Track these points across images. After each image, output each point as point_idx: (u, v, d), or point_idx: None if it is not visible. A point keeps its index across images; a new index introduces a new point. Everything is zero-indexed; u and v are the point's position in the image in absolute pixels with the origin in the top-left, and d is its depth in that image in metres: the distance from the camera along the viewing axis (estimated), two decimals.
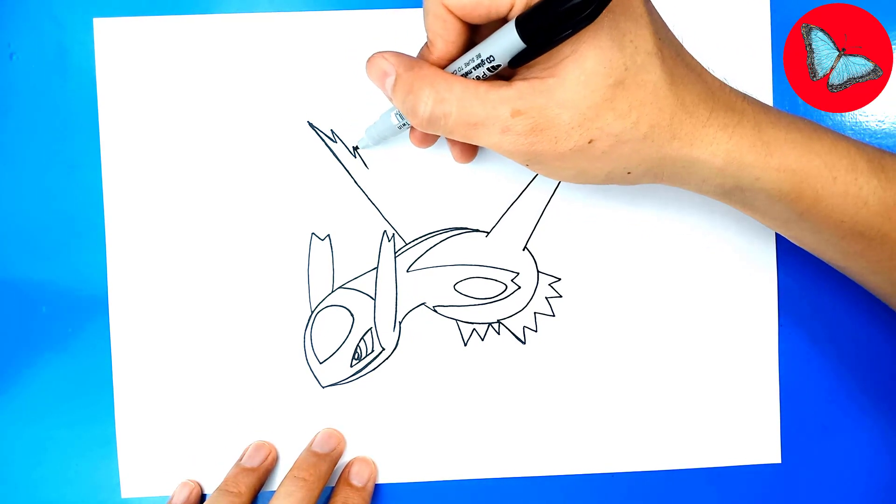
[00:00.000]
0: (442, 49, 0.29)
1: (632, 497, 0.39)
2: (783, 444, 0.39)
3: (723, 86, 0.30)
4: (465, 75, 0.29)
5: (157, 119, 0.38)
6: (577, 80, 0.27)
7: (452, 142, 0.36)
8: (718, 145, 0.29)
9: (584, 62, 0.27)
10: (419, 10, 0.38)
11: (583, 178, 0.30)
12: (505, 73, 0.29)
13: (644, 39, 0.27)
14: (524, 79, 0.28)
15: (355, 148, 0.38)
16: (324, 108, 0.38)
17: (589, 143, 0.28)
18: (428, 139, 0.35)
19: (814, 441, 0.39)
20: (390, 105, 0.35)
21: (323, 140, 0.38)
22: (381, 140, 0.37)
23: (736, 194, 0.31)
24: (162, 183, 0.38)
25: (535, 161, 0.29)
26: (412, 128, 0.34)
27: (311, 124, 0.38)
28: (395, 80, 0.30)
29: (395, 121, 0.34)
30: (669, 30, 0.29)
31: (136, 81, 0.38)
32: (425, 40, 0.30)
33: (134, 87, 0.38)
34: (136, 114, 0.38)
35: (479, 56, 0.28)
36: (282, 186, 0.38)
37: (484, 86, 0.28)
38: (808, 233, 0.32)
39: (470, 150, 0.36)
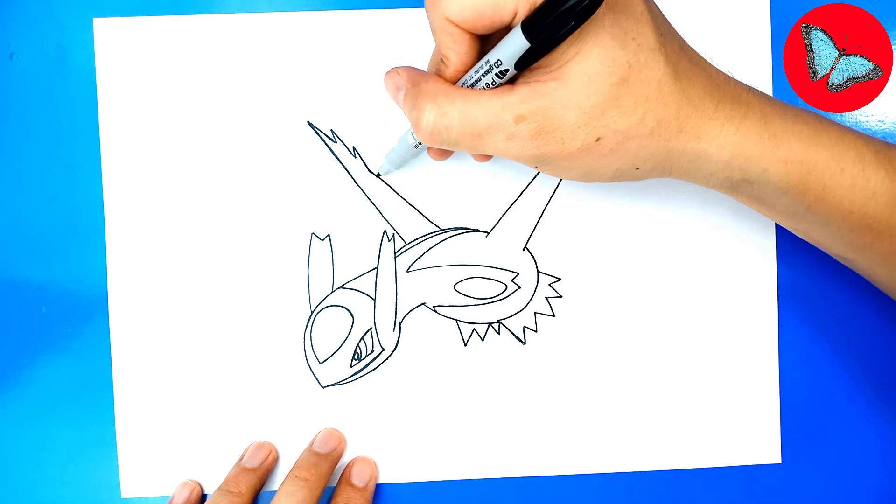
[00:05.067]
0: (456, 62, 0.29)
1: (632, 497, 0.39)
2: (783, 444, 0.39)
3: (728, 79, 0.30)
4: (475, 83, 0.29)
5: (157, 119, 0.38)
6: (580, 80, 0.27)
7: None
8: (725, 137, 0.29)
9: (588, 62, 0.26)
10: (419, 10, 0.38)
11: (591, 176, 0.30)
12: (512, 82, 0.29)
13: (646, 37, 0.27)
14: (527, 83, 0.28)
15: (377, 175, 0.38)
16: (324, 108, 0.38)
17: (596, 141, 0.28)
18: (445, 152, 0.35)
19: (814, 441, 0.39)
20: (407, 127, 0.35)
21: (323, 140, 0.38)
22: (402, 163, 0.37)
23: (743, 187, 0.30)
24: (162, 183, 0.38)
25: (544, 162, 0.29)
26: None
27: (311, 124, 0.38)
28: (404, 94, 0.30)
29: (411, 140, 0.34)
30: (671, 25, 0.29)
31: (136, 81, 0.38)
32: (439, 54, 0.29)
33: (134, 88, 0.38)
34: (136, 114, 0.38)
35: (487, 62, 0.28)
36: (282, 186, 0.38)
37: (486, 94, 0.28)
38: (816, 226, 0.32)
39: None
